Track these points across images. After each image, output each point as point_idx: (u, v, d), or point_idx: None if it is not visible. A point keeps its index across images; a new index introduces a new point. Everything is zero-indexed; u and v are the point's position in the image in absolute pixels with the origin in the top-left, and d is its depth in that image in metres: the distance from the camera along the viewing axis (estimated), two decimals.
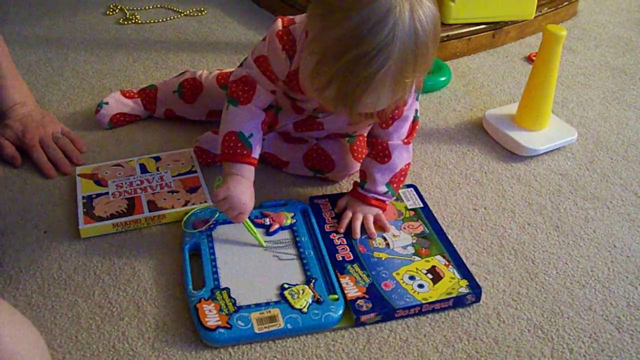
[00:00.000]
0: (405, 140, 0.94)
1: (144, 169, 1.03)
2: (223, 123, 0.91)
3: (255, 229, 0.90)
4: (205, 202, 0.97)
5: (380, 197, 0.95)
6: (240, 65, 0.93)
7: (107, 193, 0.98)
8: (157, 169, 1.03)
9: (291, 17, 0.89)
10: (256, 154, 0.89)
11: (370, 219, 0.93)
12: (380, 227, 0.94)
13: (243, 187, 0.87)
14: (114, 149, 1.10)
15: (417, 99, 0.93)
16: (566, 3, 1.59)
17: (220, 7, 1.63)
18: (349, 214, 0.94)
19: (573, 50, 1.49)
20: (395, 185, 0.95)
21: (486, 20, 1.44)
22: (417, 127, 0.95)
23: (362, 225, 0.93)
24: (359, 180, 0.97)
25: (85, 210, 0.94)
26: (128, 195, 0.97)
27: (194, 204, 0.96)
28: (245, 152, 0.88)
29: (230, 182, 0.86)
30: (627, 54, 1.48)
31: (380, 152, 0.94)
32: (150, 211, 0.94)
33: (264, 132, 0.92)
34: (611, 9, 1.71)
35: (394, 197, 0.97)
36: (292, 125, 1.01)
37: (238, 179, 0.87)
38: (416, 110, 0.94)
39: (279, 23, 0.88)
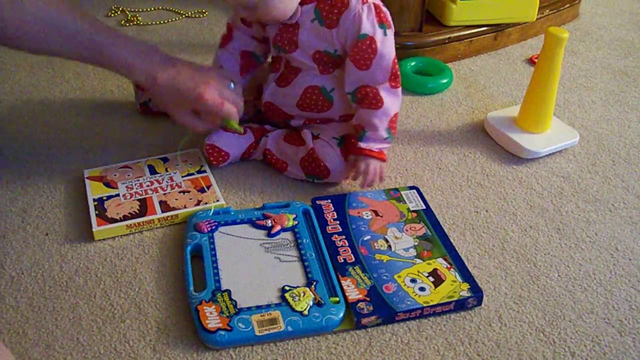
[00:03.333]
0: (393, 84, 0.98)
1: (152, 170, 1.03)
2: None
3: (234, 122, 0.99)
4: (217, 201, 0.97)
5: (381, 145, 0.99)
6: None
7: (117, 195, 0.98)
8: (166, 170, 1.03)
9: None
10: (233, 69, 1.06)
11: (378, 169, 1.00)
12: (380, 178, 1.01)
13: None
14: (117, 151, 1.09)
15: (385, 34, 0.95)
16: (568, 5, 1.59)
17: (221, 9, 1.63)
18: (362, 165, 0.99)
19: (575, 52, 1.49)
20: (393, 130, 1.00)
21: (488, 22, 1.44)
22: (396, 65, 0.98)
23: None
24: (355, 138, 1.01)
25: (97, 212, 0.94)
26: (139, 196, 0.97)
27: (206, 203, 0.96)
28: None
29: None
30: (629, 56, 1.48)
31: (372, 100, 0.97)
32: (163, 212, 0.95)
33: (243, 76, 1.07)
34: (613, 11, 1.71)
35: (391, 143, 1.01)
36: (275, 82, 1.05)
37: None
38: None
39: None
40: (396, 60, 0.98)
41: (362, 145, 0.98)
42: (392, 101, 0.98)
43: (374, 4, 0.95)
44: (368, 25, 0.94)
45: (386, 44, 0.96)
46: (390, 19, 0.97)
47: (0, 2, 0.85)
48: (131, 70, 0.95)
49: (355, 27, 0.94)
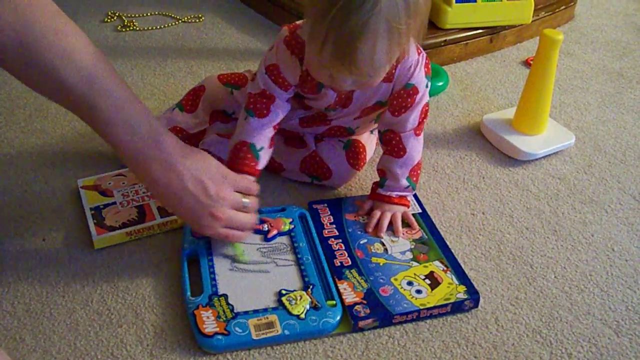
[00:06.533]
0: (417, 132, 0.96)
1: None
2: (237, 132, 0.94)
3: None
4: None
5: (402, 193, 0.96)
6: (253, 79, 0.95)
7: (114, 203, 0.97)
8: None
9: (296, 23, 0.91)
10: (261, 166, 0.93)
11: (399, 217, 0.95)
12: (407, 225, 0.96)
13: None
14: (110, 160, 1.09)
15: (426, 86, 0.94)
16: (563, 7, 1.59)
17: (218, 14, 1.63)
18: (377, 214, 0.95)
19: (570, 54, 1.49)
20: (414, 178, 0.97)
21: (483, 25, 1.44)
22: (427, 112, 0.96)
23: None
24: (378, 180, 0.98)
25: (95, 221, 0.94)
26: (136, 203, 0.97)
27: None
28: (252, 163, 0.92)
29: None
30: (625, 57, 1.49)
31: (395, 147, 0.96)
32: (162, 217, 0.94)
33: (272, 144, 0.95)
34: (608, 13, 1.71)
35: (414, 191, 0.98)
36: (298, 120, 1.02)
37: None
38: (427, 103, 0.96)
39: (285, 30, 0.91)
40: (427, 108, 0.96)
41: (381, 191, 0.96)
42: (415, 148, 0.96)
43: (425, 54, 0.94)
44: (418, 76, 0.92)
45: (425, 96, 0.94)
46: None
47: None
48: (122, 158, 0.82)
49: (406, 76, 0.92)
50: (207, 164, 0.83)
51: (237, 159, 0.92)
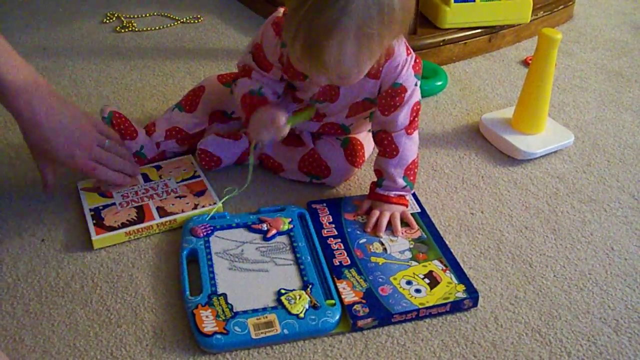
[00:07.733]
0: (409, 131, 0.96)
1: (146, 178, 1.03)
2: (235, 95, 0.99)
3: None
4: (214, 203, 0.97)
5: (400, 192, 0.97)
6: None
7: (113, 203, 0.97)
8: (160, 177, 1.03)
9: None
10: (272, 99, 0.97)
11: (397, 216, 0.95)
12: (406, 224, 0.96)
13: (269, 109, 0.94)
14: None
15: (416, 85, 0.94)
16: (562, 6, 1.60)
17: (216, 15, 1.63)
18: (376, 213, 0.96)
19: (569, 53, 1.49)
20: (411, 178, 0.97)
21: (482, 24, 1.44)
22: (419, 111, 0.96)
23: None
24: (375, 180, 0.98)
25: (95, 221, 0.94)
26: (136, 203, 0.97)
27: (203, 206, 0.97)
28: (261, 99, 0.96)
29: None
30: (623, 56, 1.49)
31: (387, 147, 0.96)
32: (161, 217, 0.95)
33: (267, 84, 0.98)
34: (607, 12, 1.71)
35: (412, 190, 0.99)
36: (292, 114, 1.01)
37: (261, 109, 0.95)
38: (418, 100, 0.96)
39: (280, 11, 0.93)
40: (419, 107, 0.96)
41: (379, 191, 0.97)
42: (408, 147, 0.96)
43: (415, 54, 0.94)
44: (406, 75, 0.93)
45: (414, 94, 0.94)
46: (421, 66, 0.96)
47: None
48: (5, 99, 0.87)
49: (393, 75, 0.92)
50: (75, 107, 0.95)
51: (247, 107, 0.96)
